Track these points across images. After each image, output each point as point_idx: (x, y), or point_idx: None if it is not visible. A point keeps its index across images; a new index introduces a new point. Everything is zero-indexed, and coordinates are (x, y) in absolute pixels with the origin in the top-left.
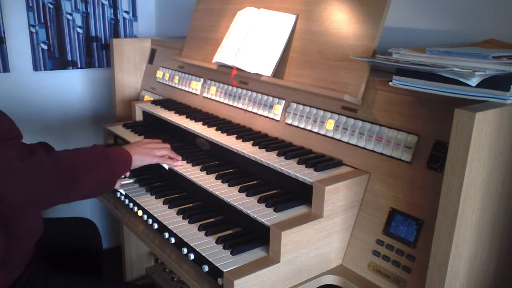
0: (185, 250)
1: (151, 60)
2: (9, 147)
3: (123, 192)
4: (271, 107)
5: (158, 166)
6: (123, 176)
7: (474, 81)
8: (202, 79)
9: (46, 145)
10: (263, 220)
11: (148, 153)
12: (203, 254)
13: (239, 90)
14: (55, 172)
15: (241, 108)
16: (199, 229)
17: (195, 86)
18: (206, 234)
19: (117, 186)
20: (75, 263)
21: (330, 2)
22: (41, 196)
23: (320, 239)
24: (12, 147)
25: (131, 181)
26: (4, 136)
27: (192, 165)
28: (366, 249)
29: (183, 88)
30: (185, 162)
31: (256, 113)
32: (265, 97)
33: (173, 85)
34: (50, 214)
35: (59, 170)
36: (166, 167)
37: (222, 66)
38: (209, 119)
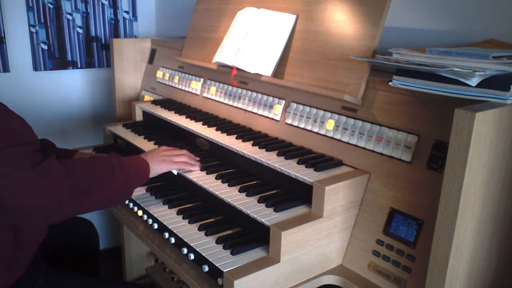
0: (185, 250)
1: (151, 60)
2: (20, 153)
3: None
4: (271, 107)
5: None
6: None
7: (474, 81)
8: (202, 79)
9: (47, 142)
10: (263, 220)
11: (166, 160)
12: (203, 254)
13: (239, 90)
14: (66, 180)
15: (241, 108)
16: (199, 229)
17: (195, 86)
18: (206, 234)
19: None
20: (72, 262)
21: (330, 2)
22: (52, 205)
23: (320, 239)
24: (21, 154)
25: None
26: (16, 141)
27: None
28: (366, 249)
29: (183, 88)
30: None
31: (256, 113)
32: (265, 97)
33: (173, 85)
34: None
35: (71, 178)
36: (175, 172)
37: (222, 66)
38: (209, 119)
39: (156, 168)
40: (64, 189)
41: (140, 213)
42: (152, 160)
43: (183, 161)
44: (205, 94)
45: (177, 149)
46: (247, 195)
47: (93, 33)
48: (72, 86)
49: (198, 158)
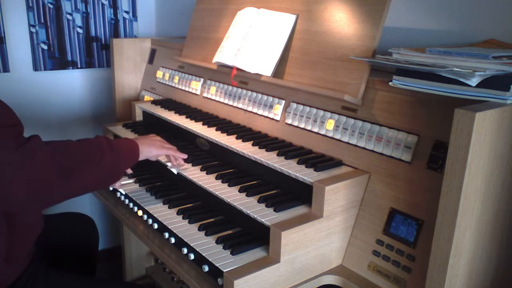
0: (185, 250)
1: (151, 60)
2: (2, 134)
3: (123, 192)
4: (271, 107)
5: (158, 166)
6: (129, 172)
7: (474, 81)
8: (202, 79)
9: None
10: (263, 220)
11: (155, 144)
12: (203, 254)
13: (239, 90)
14: (54, 160)
15: (241, 108)
16: (199, 229)
17: (195, 86)
18: (206, 234)
19: (116, 186)
20: (70, 260)
21: (330, 2)
22: (41, 186)
23: (320, 239)
24: (6, 135)
25: (131, 181)
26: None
27: (192, 165)
28: (366, 249)
29: (183, 88)
30: (185, 162)
31: (256, 113)
32: (265, 97)
33: (173, 85)
34: (49, 211)
35: (58, 158)
36: (175, 171)
37: (222, 66)
38: (209, 119)
39: (145, 151)
40: (52, 169)
41: (140, 213)
42: (142, 143)
43: (172, 148)
44: (205, 94)
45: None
46: (247, 195)
47: (93, 33)
48: (72, 86)
49: (185, 156)
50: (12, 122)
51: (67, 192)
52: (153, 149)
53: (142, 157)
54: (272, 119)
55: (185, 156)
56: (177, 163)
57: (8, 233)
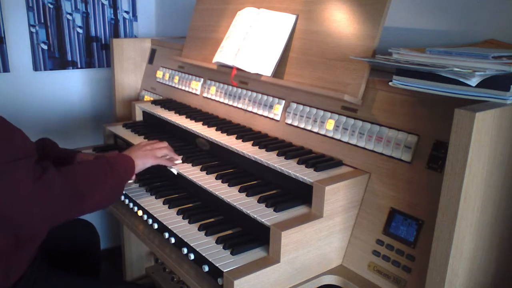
0: (185, 250)
1: (151, 60)
2: (21, 167)
3: (123, 192)
4: (271, 107)
5: (158, 166)
6: (130, 181)
7: (474, 81)
8: (202, 79)
9: (49, 141)
10: (263, 220)
11: (148, 155)
12: (203, 254)
13: (239, 90)
14: (67, 189)
15: (241, 108)
16: (199, 229)
17: (195, 86)
18: (206, 234)
19: None
20: (73, 263)
21: (330, 2)
22: (55, 214)
23: (320, 239)
24: (24, 168)
25: (131, 181)
26: (20, 155)
27: (192, 165)
28: (366, 249)
29: (183, 88)
30: (185, 162)
31: (256, 113)
32: (265, 97)
33: (173, 85)
34: None
35: (71, 187)
36: (175, 172)
37: (222, 66)
38: (209, 119)
39: (140, 164)
40: (65, 199)
41: (140, 213)
42: (136, 156)
43: (164, 155)
44: (205, 94)
45: (157, 142)
46: (247, 195)
47: (93, 33)
48: (72, 86)
49: (179, 158)
50: (29, 152)
51: (77, 214)
52: (147, 160)
53: (137, 170)
54: (272, 119)
55: (178, 158)
56: (173, 164)
57: (13, 245)
